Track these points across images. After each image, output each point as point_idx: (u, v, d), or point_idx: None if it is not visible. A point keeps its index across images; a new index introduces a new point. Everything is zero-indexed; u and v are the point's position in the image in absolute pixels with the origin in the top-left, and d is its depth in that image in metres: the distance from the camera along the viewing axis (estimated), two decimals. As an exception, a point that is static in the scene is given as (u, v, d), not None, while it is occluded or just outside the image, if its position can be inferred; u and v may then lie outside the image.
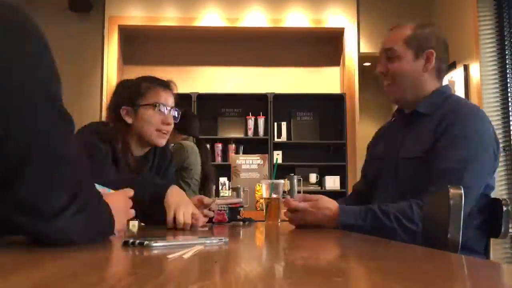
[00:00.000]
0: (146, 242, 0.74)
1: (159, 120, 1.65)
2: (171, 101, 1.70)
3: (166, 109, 1.67)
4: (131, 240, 0.76)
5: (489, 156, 1.38)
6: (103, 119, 4.59)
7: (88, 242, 0.76)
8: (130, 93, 1.67)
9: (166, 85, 1.70)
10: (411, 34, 1.52)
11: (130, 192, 1.07)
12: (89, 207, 0.76)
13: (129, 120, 1.65)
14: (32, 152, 0.69)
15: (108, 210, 0.86)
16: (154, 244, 0.74)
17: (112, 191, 1.09)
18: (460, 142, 1.36)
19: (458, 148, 1.35)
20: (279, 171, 4.76)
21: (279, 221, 1.65)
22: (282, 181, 1.73)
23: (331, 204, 1.39)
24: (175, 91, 1.74)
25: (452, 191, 1.09)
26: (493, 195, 1.46)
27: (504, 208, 1.40)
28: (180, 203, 1.40)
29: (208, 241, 0.81)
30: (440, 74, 1.57)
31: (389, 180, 1.52)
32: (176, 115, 1.73)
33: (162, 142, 1.69)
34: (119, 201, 0.99)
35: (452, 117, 1.41)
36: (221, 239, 0.84)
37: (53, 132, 0.73)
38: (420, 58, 1.51)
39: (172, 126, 1.70)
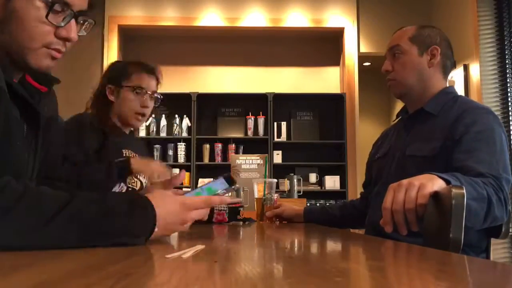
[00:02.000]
0: None
1: (138, 103, 1.76)
2: (153, 85, 1.81)
3: (147, 93, 1.77)
4: None
5: (507, 152, 1.38)
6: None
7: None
8: (116, 73, 1.79)
9: (150, 70, 1.81)
10: (415, 33, 1.56)
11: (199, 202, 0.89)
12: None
13: (111, 98, 1.77)
14: None
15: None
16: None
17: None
18: (486, 137, 1.35)
19: (486, 143, 1.34)
20: (279, 171, 4.77)
21: (275, 220, 1.65)
22: (274, 180, 1.73)
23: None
24: (160, 76, 1.85)
25: (454, 190, 1.09)
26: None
27: None
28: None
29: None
30: (445, 72, 1.58)
31: (393, 177, 1.49)
32: (158, 98, 1.84)
33: (138, 124, 1.82)
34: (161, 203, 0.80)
35: (470, 116, 1.40)
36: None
37: None
38: (425, 54, 1.54)
39: (150, 109, 1.81)
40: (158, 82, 1.83)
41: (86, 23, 0.94)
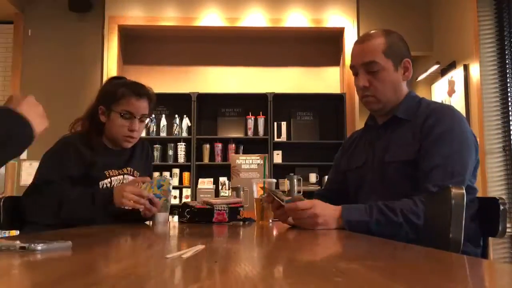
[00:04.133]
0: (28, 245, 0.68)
1: (125, 127, 1.80)
2: (142, 108, 1.83)
3: (135, 117, 1.80)
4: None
5: (472, 148, 1.43)
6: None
7: None
8: (108, 95, 1.83)
9: (139, 94, 1.83)
10: (387, 44, 1.53)
11: None
12: None
13: (103, 119, 1.82)
14: None
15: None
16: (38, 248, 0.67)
17: None
18: (444, 139, 1.40)
19: (443, 146, 1.39)
20: (279, 171, 4.76)
21: (270, 221, 1.65)
22: (274, 180, 1.73)
23: (331, 205, 1.38)
24: (152, 98, 1.87)
25: (454, 191, 1.09)
26: (492, 194, 1.47)
27: (501, 207, 1.41)
28: (122, 187, 1.64)
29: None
30: (409, 78, 1.60)
31: (376, 184, 1.53)
32: (149, 122, 1.94)
33: (127, 145, 1.85)
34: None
35: (433, 119, 1.44)
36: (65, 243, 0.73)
37: None
38: (399, 68, 1.55)
39: (140, 131, 1.86)
40: (150, 101, 1.86)
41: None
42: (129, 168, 1.85)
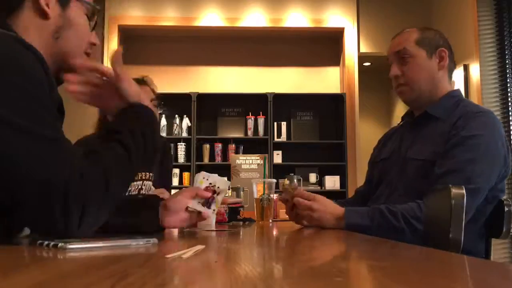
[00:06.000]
0: (60, 244, 0.66)
1: None
2: (147, 93, 1.90)
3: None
4: (45, 242, 0.68)
5: (498, 159, 1.37)
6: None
7: None
8: None
9: (140, 82, 1.92)
10: (420, 36, 1.53)
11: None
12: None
13: None
14: None
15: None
16: (70, 246, 0.66)
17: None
18: (468, 143, 1.35)
19: (466, 149, 1.34)
20: (279, 171, 4.76)
21: (271, 220, 1.65)
22: (273, 180, 1.73)
23: (336, 205, 1.38)
24: (152, 85, 1.97)
25: (454, 191, 1.09)
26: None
27: (506, 209, 1.40)
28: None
29: (134, 243, 0.75)
30: (451, 75, 1.57)
31: (395, 178, 1.51)
32: (159, 103, 1.97)
33: None
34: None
35: (462, 121, 1.40)
36: (149, 240, 0.77)
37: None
38: (433, 57, 1.52)
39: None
40: (150, 87, 1.92)
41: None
42: (146, 173, 1.82)
